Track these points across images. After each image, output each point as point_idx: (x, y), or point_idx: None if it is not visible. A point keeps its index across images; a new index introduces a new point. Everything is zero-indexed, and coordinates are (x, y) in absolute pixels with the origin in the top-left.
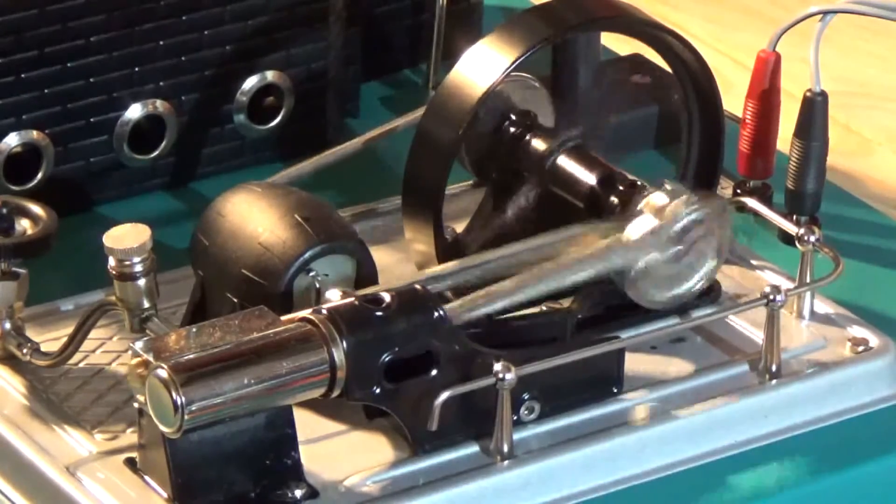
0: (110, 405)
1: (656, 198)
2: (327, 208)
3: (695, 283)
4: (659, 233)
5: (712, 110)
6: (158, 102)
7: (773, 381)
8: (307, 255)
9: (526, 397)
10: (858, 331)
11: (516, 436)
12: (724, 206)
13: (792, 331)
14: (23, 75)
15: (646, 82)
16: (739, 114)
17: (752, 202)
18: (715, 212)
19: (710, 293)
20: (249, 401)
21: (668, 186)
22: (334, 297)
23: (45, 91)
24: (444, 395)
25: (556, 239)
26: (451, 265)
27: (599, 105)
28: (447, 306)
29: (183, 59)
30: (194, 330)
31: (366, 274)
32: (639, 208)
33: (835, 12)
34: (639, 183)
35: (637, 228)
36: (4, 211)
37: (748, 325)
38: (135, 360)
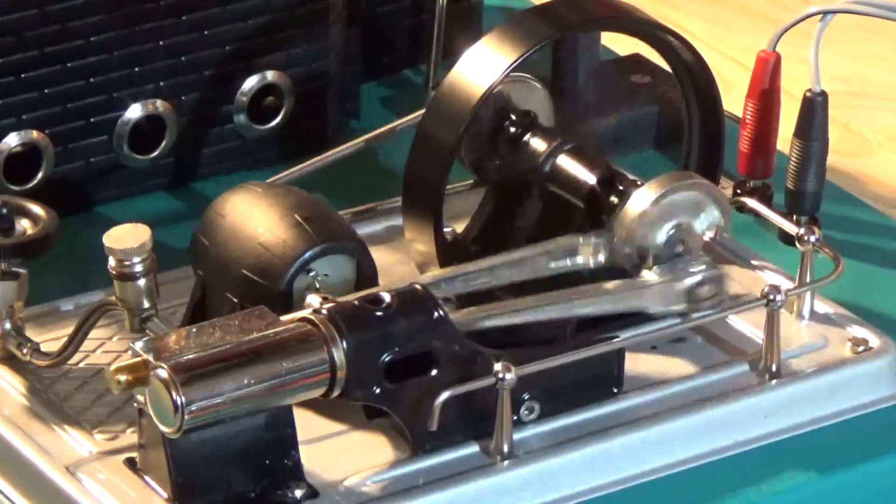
0: (110, 405)
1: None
2: (327, 208)
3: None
4: (672, 286)
5: (712, 110)
6: (158, 102)
7: (773, 381)
8: (307, 255)
9: (526, 397)
10: (858, 331)
11: (516, 436)
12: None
13: (792, 331)
14: (23, 75)
15: (646, 82)
16: (739, 114)
17: (752, 202)
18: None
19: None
20: (249, 401)
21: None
22: (314, 301)
23: (45, 91)
24: (444, 395)
25: (547, 249)
26: (449, 270)
27: (599, 105)
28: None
29: (183, 59)
30: (194, 330)
31: (366, 274)
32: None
33: (835, 12)
34: (639, 183)
35: (652, 276)
36: (4, 211)
37: (748, 325)
38: (115, 366)
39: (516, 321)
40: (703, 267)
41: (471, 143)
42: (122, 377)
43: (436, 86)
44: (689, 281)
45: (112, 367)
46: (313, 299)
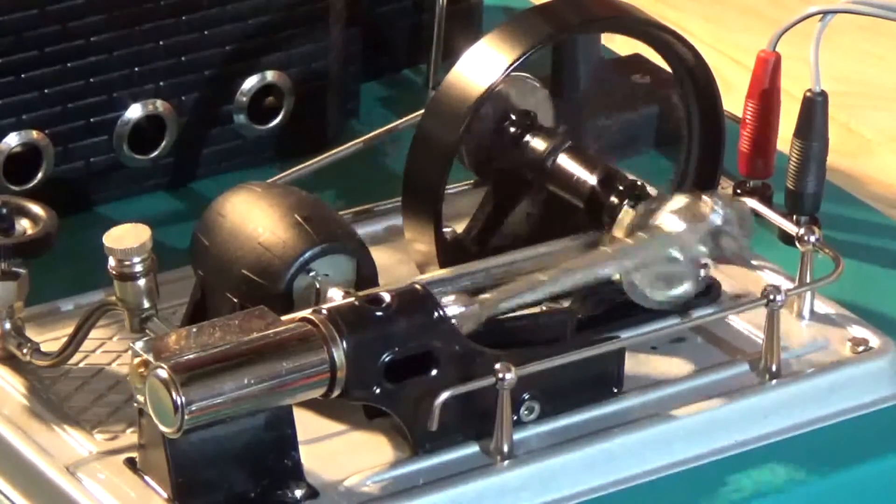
0: (110, 405)
1: (675, 202)
2: (327, 208)
3: (695, 284)
4: (693, 230)
5: (712, 110)
6: (158, 102)
7: (773, 381)
8: (307, 255)
9: (526, 397)
10: (858, 331)
11: (516, 436)
12: (747, 211)
13: (792, 331)
14: (23, 75)
15: (646, 82)
16: (739, 114)
17: (752, 202)
18: (739, 215)
19: (710, 293)
20: (249, 401)
21: (680, 196)
22: (336, 296)
23: (45, 91)
24: (444, 395)
25: (555, 249)
26: (450, 270)
27: (599, 105)
28: (480, 297)
29: (183, 59)
30: (194, 330)
31: (366, 274)
32: (653, 215)
33: (835, 12)
34: (639, 183)
35: (670, 222)
36: (4, 211)
37: (748, 325)
38: (137, 360)
39: (541, 296)
40: (723, 208)
41: (471, 142)
42: (144, 371)
43: (436, 86)
44: (713, 221)
45: (135, 362)
46: (335, 293)
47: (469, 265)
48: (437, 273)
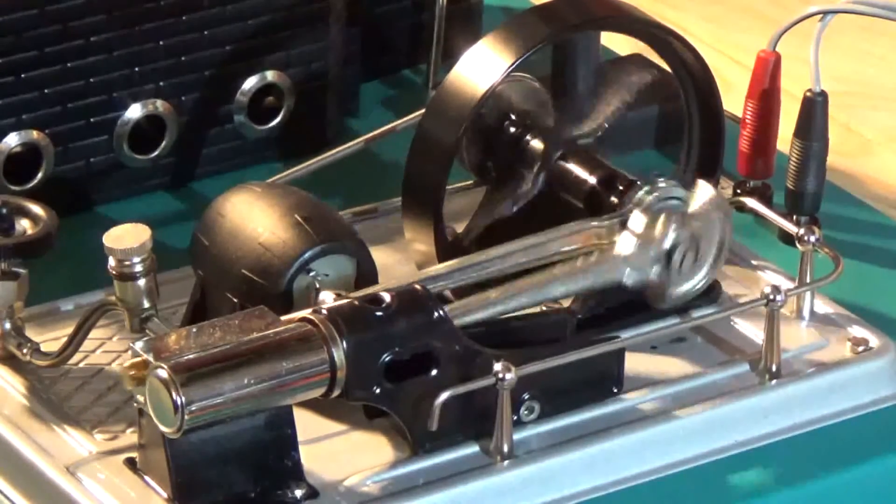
0: (110, 405)
1: (644, 200)
2: (327, 208)
3: (698, 281)
4: (646, 249)
5: (712, 110)
6: (158, 102)
7: (773, 381)
8: (307, 255)
9: (526, 397)
10: (858, 331)
11: (516, 436)
12: (719, 204)
13: (792, 331)
14: (23, 75)
15: (646, 82)
16: (739, 114)
17: (752, 202)
18: (704, 219)
19: (710, 293)
20: (249, 401)
21: (660, 184)
22: (328, 298)
23: (45, 91)
24: (444, 395)
25: (551, 238)
26: (449, 264)
27: (599, 105)
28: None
29: (183, 59)
30: (194, 330)
31: (366, 274)
32: (628, 207)
33: (835, 12)
34: (639, 183)
35: (625, 244)
36: (4, 211)
37: (748, 325)
38: (128, 363)
39: (491, 313)
40: (674, 227)
41: (470, 143)
42: (134, 372)
43: (436, 86)
44: (664, 243)
45: (126, 365)
46: (327, 296)
47: (466, 259)
48: (435, 268)
